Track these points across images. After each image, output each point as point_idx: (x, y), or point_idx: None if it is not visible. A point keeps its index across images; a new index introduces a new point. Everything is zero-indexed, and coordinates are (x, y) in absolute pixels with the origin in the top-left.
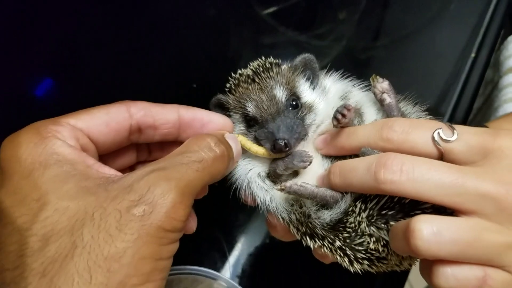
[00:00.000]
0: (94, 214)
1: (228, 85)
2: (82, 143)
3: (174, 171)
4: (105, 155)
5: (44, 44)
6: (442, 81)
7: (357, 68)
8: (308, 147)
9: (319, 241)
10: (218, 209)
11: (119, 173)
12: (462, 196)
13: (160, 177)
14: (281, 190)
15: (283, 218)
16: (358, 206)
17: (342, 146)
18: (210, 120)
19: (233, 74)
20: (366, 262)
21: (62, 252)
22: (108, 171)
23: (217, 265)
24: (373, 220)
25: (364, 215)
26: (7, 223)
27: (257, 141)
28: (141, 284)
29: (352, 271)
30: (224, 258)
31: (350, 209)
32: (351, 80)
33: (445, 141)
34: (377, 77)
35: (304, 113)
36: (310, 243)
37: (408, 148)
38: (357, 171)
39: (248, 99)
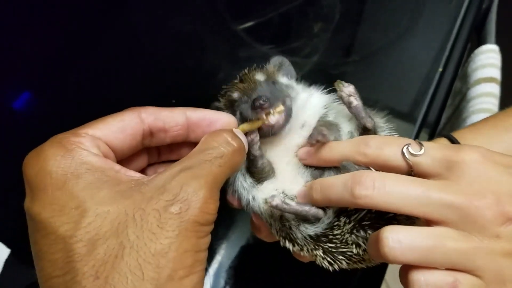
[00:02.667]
0: (135, 216)
1: (218, 96)
2: (103, 151)
3: (200, 168)
4: (121, 160)
5: (23, 57)
6: (412, 95)
7: (329, 82)
8: (282, 145)
9: (298, 246)
10: None
11: (143, 175)
12: (428, 207)
13: (189, 176)
14: (266, 203)
15: (266, 219)
16: (342, 220)
17: (324, 158)
18: (217, 118)
19: (215, 84)
20: (345, 262)
21: (112, 253)
22: (134, 174)
23: None
24: (356, 230)
25: (348, 226)
26: (48, 233)
27: (242, 118)
28: (187, 276)
29: (330, 269)
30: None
31: (335, 223)
32: (331, 95)
33: (413, 155)
34: (342, 82)
35: (285, 88)
36: (289, 246)
37: (382, 161)
38: (335, 187)
39: (233, 89)
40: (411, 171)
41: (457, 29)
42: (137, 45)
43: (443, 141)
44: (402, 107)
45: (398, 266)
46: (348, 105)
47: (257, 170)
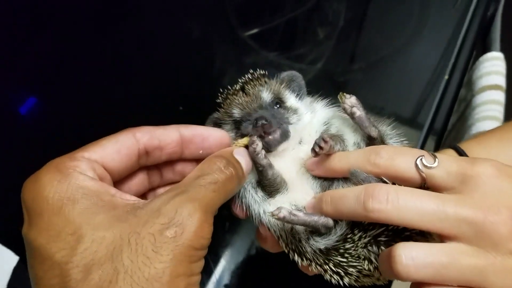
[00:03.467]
0: (130, 240)
1: (217, 100)
2: (99, 173)
3: (195, 192)
4: (121, 183)
5: (29, 62)
6: (418, 101)
7: (335, 90)
8: (289, 158)
9: (307, 260)
10: None
11: (139, 199)
12: (443, 222)
13: (184, 199)
14: (272, 216)
15: (274, 231)
16: (357, 234)
17: (333, 169)
18: (209, 134)
19: (221, 90)
20: (355, 275)
21: (106, 278)
22: (130, 198)
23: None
24: (369, 245)
25: (363, 241)
26: (45, 259)
27: (242, 134)
28: None
29: (341, 283)
30: (209, 276)
31: (349, 236)
32: (335, 106)
33: (427, 168)
34: (345, 94)
35: (288, 113)
36: (298, 260)
37: (393, 172)
38: (347, 200)
39: (234, 105)
40: (424, 184)
41: (463, 36)
42: (144, 51)
43: (451, 152)
44: (408, 113)
45: (403, 282)
46: (351, 115)
47: (268, 182)
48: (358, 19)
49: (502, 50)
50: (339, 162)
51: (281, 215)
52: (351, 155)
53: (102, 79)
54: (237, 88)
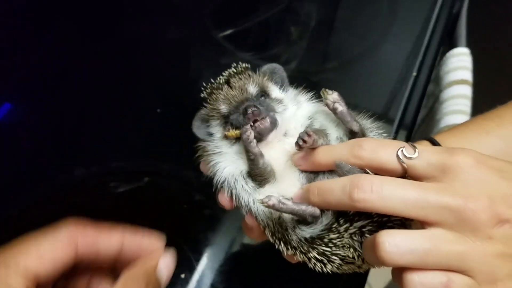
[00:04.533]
0: None
1: (202, 95)
2: (31, 281)
3: None
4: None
5: (3, 68)
6: (388, 98)
7: (310, 89)
8: (276, 149)
9: (291, 249)
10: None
11: None
12: (425, 210)
13: None
14: (262, 203)
15: (262, 220)
16: (343, 225)
17: (319, 162)
18: (146, 248)
19: (204, 84)
20: (337, 263)
21: None
22: None
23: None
24: (354, 235)
25: (348, 232)
26: None
27: (233, 126)
28: None
29: (324, 271)
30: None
31: (334, 226)
32: (318, 101)
33: (408, 158)
34: (327, 90)
35: (273, 103)
36: (283, 249)
37: (376, 164)
38: (334, 191)
39: (221, 100)
40: (405, 174)
41: (430, 33)
42: (120, 53)
43: (426, 143)
44: (380, 109)
45: (381, 269)
46: (334, 111)
47: (259, 171)
48: (329, 19)
49: (468, 45)
50: (324, 155)
51: (271, 202)
52: (335, 148)
53: (78, 84)
54: (222, 82)
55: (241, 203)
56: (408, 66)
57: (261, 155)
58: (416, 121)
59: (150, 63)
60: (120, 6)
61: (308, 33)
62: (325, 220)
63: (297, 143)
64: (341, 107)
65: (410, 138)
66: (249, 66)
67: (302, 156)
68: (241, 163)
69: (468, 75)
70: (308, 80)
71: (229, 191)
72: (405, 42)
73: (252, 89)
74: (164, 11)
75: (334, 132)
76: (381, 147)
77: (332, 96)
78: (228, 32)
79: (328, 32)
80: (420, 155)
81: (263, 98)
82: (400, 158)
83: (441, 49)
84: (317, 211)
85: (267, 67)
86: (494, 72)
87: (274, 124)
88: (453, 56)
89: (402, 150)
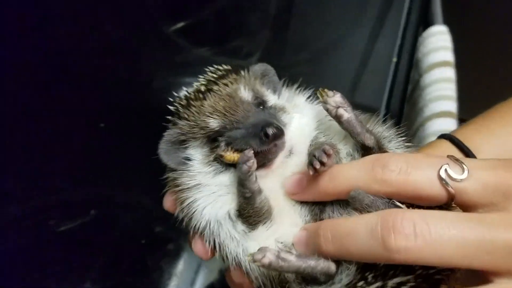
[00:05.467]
0: None
1: (173, 109)
2: None
3: None
4: None
5: None
6: (370, 88)
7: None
8: (275, 176)
9: None
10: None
11: None
12: (492, 255)
13: None
14: (254, 262)
15: (255, 278)
16: (373, 284)
17: (325, 191)
18: None
19: (175, 95)
20: None
21: None
22: None
23: None
24: None
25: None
26: None
27: (229, 148)
28: None
29: None
30: None
31: (360, 285)
32: (319, 102)
33: (455, 180)
34: (325, 90)
35: (277, 113)
36: None
37: (410, 191)
38: (356, 236)
39: (208, 114)
40: (451, 202)
41: (406, 14)
42: (60, 60)
43: (446, 144)
44: (362, 100)
45: None
46: (338, 119)
47: (254, 212)
48: (292, 5)
49: (445, 23)
50: (333, 180)
51: (266, 260)
52: (347, 170)
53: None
54: (200, 89)
55: (226, 255)
56: (387, 50)
57: (260, 191)
58: (403, 109)
59: (89, 70)
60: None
61: (269, 21)
62: (346, 278)
63: (311, 166)
64: (346, 113)
65: (400, 122)
66: (231, 68)
67: (298, 180)
68: (228, 199)
69: (449, 56)
70: (279, 76)
71: (210, 239)
72: (380, 26)
73: (247, 95)
74: (96, 4)
75: (341, 147)
76: (415, 166)
77: (334, 99)
78: (180, 25)
79: (293, 19)
80: (471, 174)
81: (261, 108)
82: (444, 180)
83: (420, 29)
84: (331, 266)
85: (258, 67)
86: (475, 51)
87: (283, 144)
88: (430, 36)
89: (445, 169)
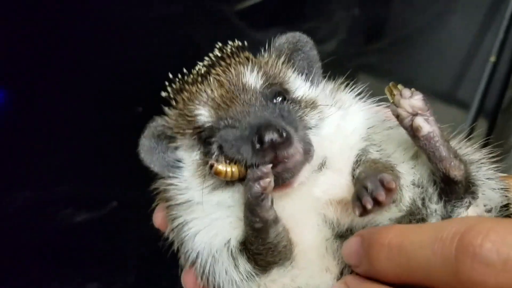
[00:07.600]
0: None
1: (165, 95)
2: None
3: None
4: None
5: None
6: (458, 91)
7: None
8: (300, 195)
9: None
10: None
11: None
12: None
13: None
14: None
15: None
16: None
17: (383, 272)
18: None
19: (171, 76)
20: None
21: None
22: None
23: None
24: None
25: None
26: None
27: (223, 157)
28: None
29: None
30: None
31: None
32: (376, 103)
33: None
34: (399, 86)
35: (299, 107)
36: None
37: None
38: None
39: (198, 103)
40: None
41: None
42: (99, 42)
43: None
44: (444, 88)
45: None
46: (414, 132)
47: (265, 248)
48: None
49: None
50: (392, 260)
51: None
52: (414, 248)
53: (68, 73)
54: (201, 71)
55: None
56: (485, 46)
57: (275, 221)
58: (496, 119)
59: (128, 50)
60: None
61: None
62: None
63: (358, 204)
64: (428, 126)
65: (492, 131)
66: (245, 44)
67: (357, 250)
68: (227, 225)
69: None
70: (344, 67)
71: (204, 276)
72: (473, 17)
73: (255, 81)
74: None
75: (408, 171)
76: None
77: (411, 101)
78: (246, 4)
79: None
80: None
81: (279, 99)
82: None
83: None
84: None
85: (286, 39)
86: None
87: (308, 153)
88: None
89: None
